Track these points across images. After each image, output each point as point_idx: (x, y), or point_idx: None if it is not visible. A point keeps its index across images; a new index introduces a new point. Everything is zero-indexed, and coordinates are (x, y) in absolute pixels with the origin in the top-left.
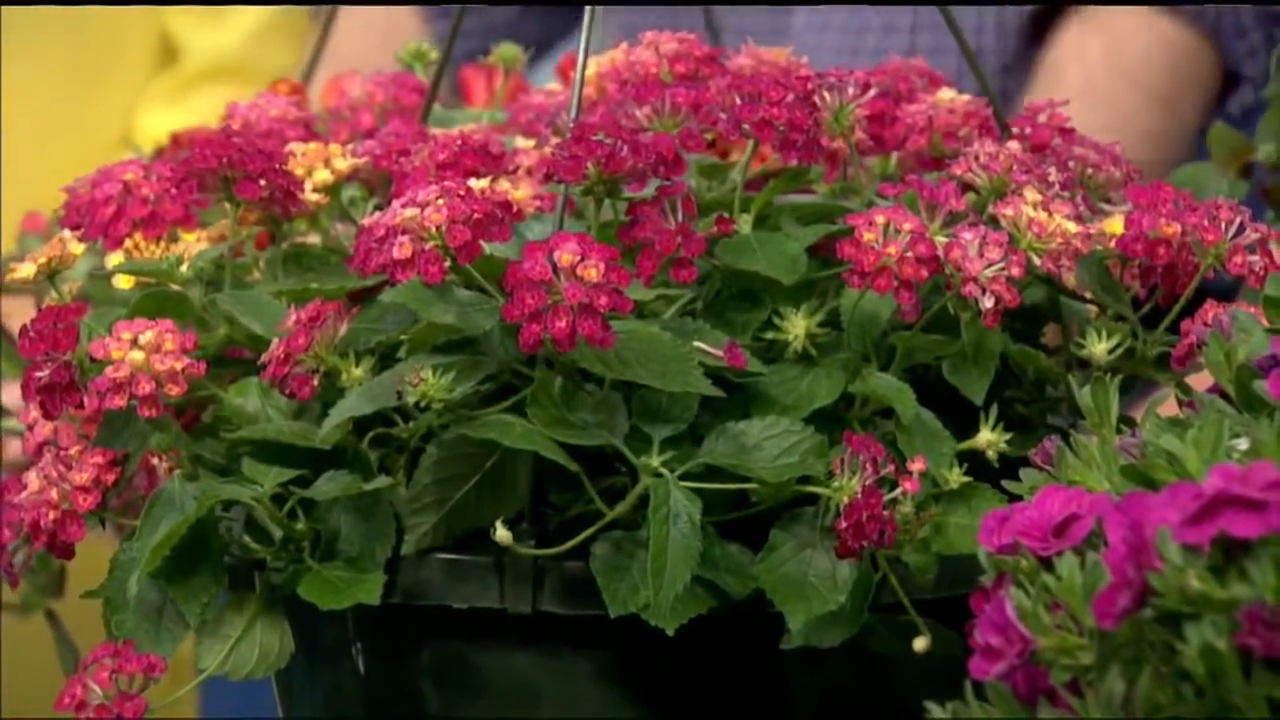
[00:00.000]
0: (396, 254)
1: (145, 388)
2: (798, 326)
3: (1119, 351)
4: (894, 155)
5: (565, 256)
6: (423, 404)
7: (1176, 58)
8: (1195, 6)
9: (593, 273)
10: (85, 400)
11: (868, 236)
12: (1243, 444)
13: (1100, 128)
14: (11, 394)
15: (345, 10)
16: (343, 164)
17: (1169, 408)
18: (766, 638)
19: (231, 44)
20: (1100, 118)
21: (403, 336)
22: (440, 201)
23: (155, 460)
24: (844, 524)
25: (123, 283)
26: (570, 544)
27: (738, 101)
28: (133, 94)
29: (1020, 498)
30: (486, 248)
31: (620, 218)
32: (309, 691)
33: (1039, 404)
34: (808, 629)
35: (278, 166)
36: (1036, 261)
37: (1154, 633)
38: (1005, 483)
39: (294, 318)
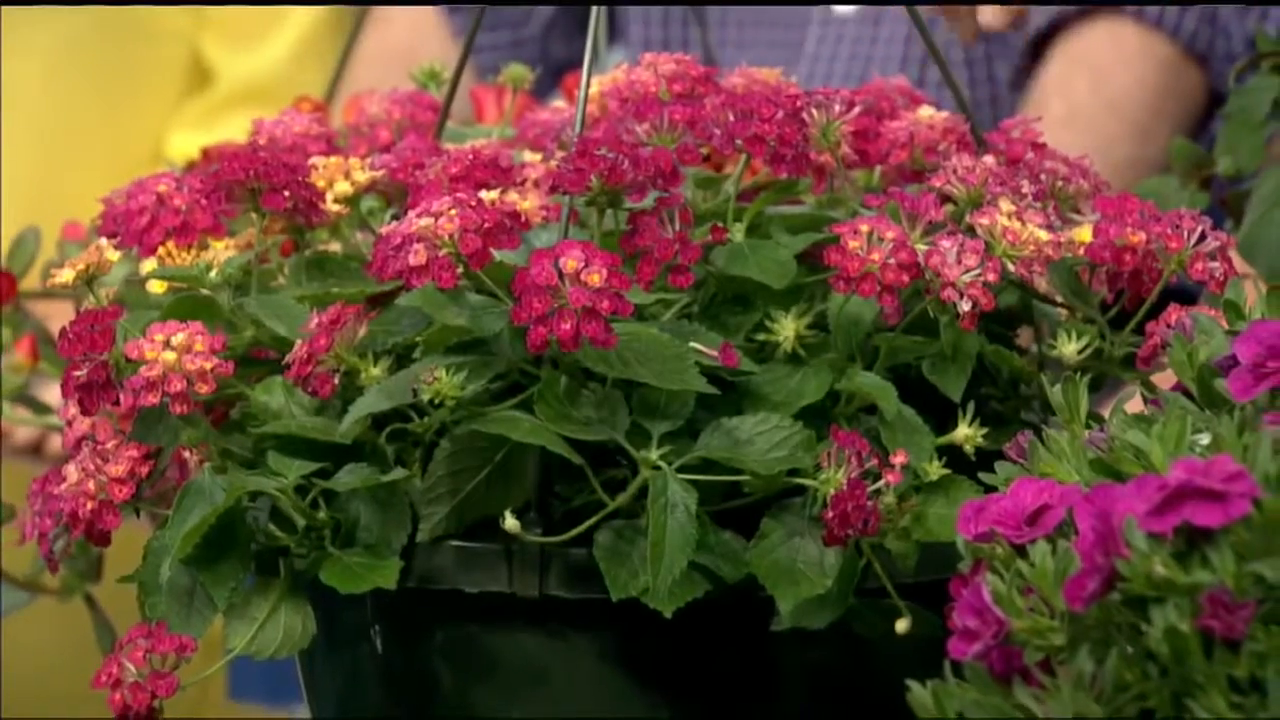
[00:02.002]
0: (412, 261)
1: (177, 386)
2: (787, 328)
3: (1088, 352)
4: (877, 169)
5: (570, 263)
6: (436, 401)
7: (1167, 78)
8: (1189, 32)
9: (595, 278)
10: (121, 398)
11: (853, 244)
12: (1204, 439)
13: (1081, 155)
14: (53, 392)
15: (367, 38)
16: (362, 177)
17: (1135, 405)
18: (758, 620)
19: (263, 69)
20: (1082, 145)
21: (418, 338)
22: (453, 212)
23: (186, 454)
24: (830, 513)
25: (156, 288)
26: (574, 532)
27: (731, 118)
28: (164, 114)
29: (996, 489)
30: (496, 255)
31: (621, 227)
32: (330, 670)
33: (1013, 401)
34: (797, 611)
35: (301, 179)
36: (1010, 268)
37: (1121, 615)
38: (981, 475)
39: (316, 320)
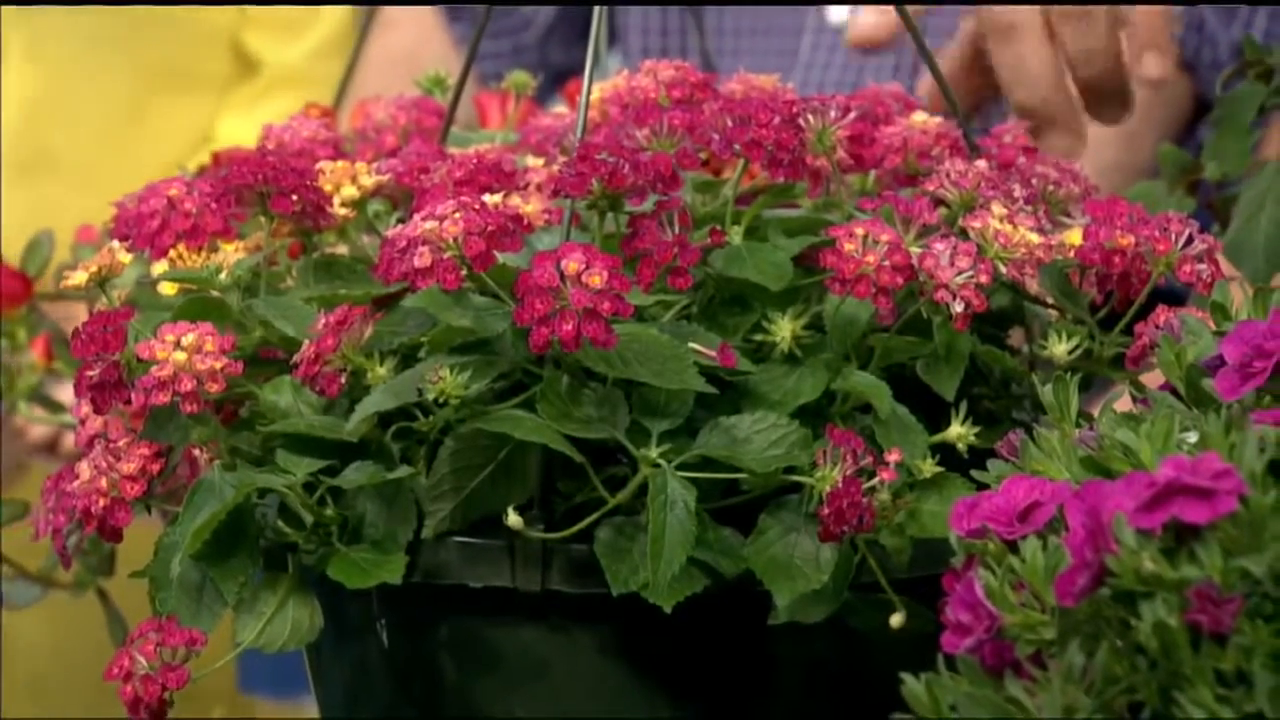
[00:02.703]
0: (417, 263)
1: (187, 385)
2: (784, 329)
3: (1078, 352)
4: (872, 173)
5: (571, 265)
6: (441, 400)
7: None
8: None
9: (596, 280)
10: (132, 397)
11: (848, 247)
12: (1192, 437)
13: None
14: (67, 391)
15: (372, 43)
16: (368, 181)
17: (1124, 404)
18: (755, 614)
19: (302, 56)
20: None
21: (423, 338)
22: (457, 215)
23: (196, 452)
24: (826, 510)
25: (167, 289)
26: (576, 528)
27: (729, 124)
28: (208, 107)
29: (988, 486)
30: (499, 257)
31: (622, 230)
32: (337, 663)
33: (1005, 400)
34: (793, 606)
35: (309, 183)
36: (1002, 270)
37: (1111, 610)
38: (974, 472)
39: (323, 321)
